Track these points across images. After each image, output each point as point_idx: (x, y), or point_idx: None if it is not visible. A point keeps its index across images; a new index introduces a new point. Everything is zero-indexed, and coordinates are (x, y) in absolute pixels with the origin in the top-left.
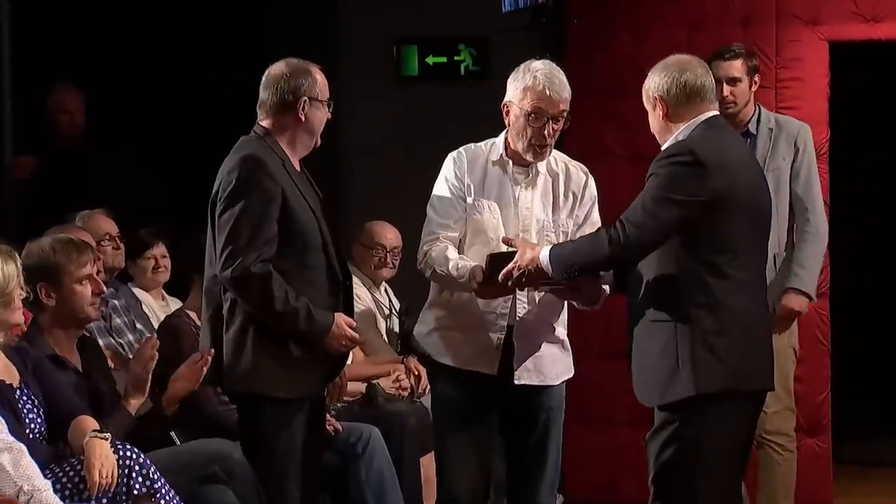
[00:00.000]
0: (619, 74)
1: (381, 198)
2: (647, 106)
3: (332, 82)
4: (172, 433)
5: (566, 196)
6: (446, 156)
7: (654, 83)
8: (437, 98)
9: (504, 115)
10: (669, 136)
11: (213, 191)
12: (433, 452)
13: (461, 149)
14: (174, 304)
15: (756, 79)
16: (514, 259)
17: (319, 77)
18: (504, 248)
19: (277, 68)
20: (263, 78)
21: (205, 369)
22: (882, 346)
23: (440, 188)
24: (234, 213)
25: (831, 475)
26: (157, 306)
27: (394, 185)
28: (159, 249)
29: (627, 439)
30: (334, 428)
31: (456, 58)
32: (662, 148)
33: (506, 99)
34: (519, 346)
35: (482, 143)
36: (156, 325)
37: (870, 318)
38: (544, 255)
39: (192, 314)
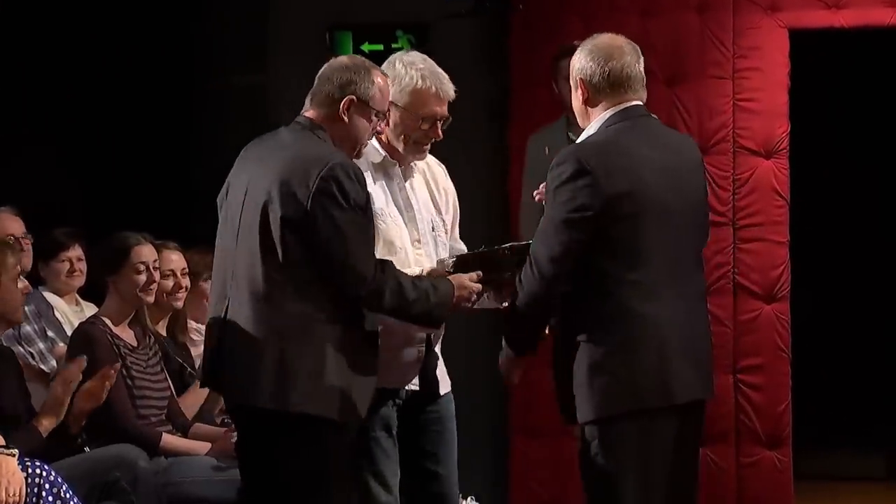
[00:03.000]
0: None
1: None
2: (571, 83)
3: (261, 72)
4: (87, 449)
5: (438, 192)
6: None
7: (579, 65)
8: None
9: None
10: (587, 121)
11: (287, 193)
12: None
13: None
14: (89, 309)
15: None
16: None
17: (380, 82)
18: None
19: (339, 60)
20: (325, 67)
21: (108, 383)
22: (845, 352)
23: None
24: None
25: (792, 490)
26: (71, 312)
27: None
28: (75, 252)
29: (574, 450)
30: None
31: (394, 45)
32: (577, 140)
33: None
34: (435, 356)
35: None
36: (69, 333)
37: (831, 321)
38: None
39: (108, 321)
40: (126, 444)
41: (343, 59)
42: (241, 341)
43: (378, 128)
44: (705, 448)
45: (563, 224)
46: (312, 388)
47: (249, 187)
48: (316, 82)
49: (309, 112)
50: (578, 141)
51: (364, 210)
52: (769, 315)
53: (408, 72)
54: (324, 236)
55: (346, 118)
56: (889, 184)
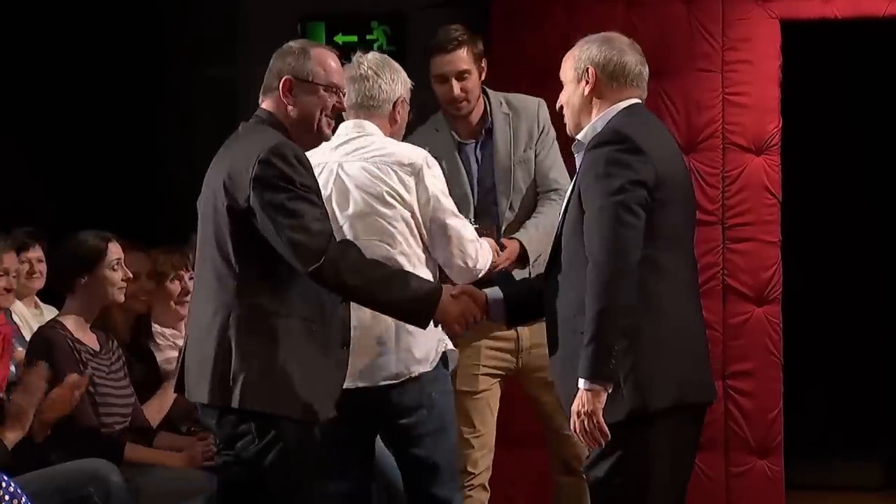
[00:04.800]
0: (549, 55)
1: None
2: (569, 75)
3: (231, 65)
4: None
5: None
6: None
7: (590, 53)
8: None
9: (397, 113)
10: (586, 117)
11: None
12: None
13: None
14: (49, 312)
15: (483, 64)
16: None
17: (318, 56)
18: None
19: (281, 48)
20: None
21: (77, 393)
22: (838, 356)
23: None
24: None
25: (784, 501)
26: (30, 315)
27: None
28: (36, 253)
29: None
30: None
31: (368, 37)
32: (579, 136)
33: (403, 96)
34: None
35: None
36: (28, 337)
37: (825, 325)
38: None
39: (69, 324)
40: (99, 459)
41: (284, 45)
42: (196, 339)
43: (337, 103)
44: None
45: (620, 207)
46: (261, 384)
47: (206, 186)
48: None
49: (263, 104)
50: (583, 136)
51: (308, 189)
52: (760, 318)
53: (395, 64)
54: (268, 219)
55: (288, 100)
56: (885, 181)
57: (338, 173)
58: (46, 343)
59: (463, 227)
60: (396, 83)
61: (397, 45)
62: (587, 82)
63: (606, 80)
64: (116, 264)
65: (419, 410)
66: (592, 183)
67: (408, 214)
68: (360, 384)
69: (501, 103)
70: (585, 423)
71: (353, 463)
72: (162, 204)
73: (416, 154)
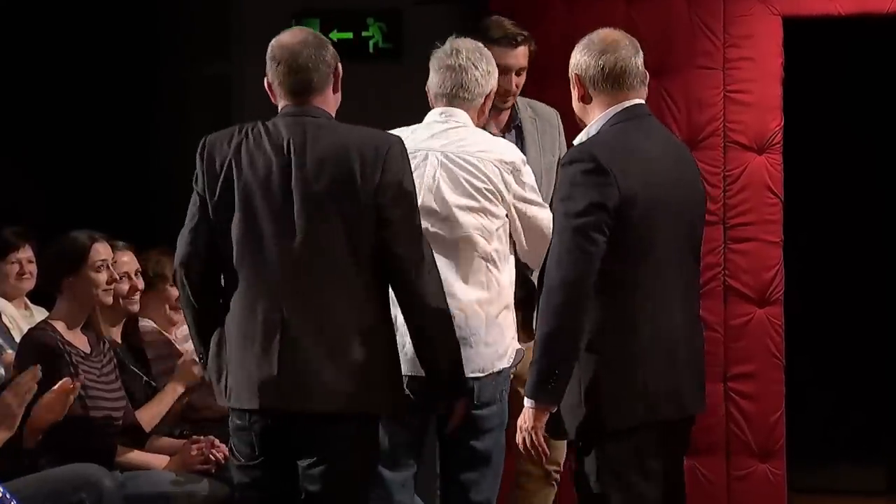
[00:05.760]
0: (549, 52)
1: None
2: (571, 81)
3: (224, 61)
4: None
5: None
6: None
7: (575, 59)
8: (342, 79)
9: (486, 106)
10: (587, 119)
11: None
12: None
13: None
14: (40, 314)
15: None
16: None
17: None
18: None
19: (309, 39)
20: (304, 51)
21: (72, 397)
22: (841, 358)
23: None
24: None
25: None
26: (20, 317)
27: None
28: (25, 253)
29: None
30: (224, 454)
31: (364, 34)
32: (574, 141)
33: (494, 89)
34: None
35: None
36: (17, 339)
37: (827, 326)
38: None
39: (59, 326)
40: (90, 464)
41: (307, 37)
42: (322, 344)
43: None
44: (695, 461)
45: (579, 232)
46: (390, 386)
47: (301, 176)
48: (294, 71)
49: (295, 101)
50: (578, 140)
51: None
52: (762, 319)
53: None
54: (399, 215)
55: (339, 89)
56: (889, 181)
57: (443, 162)
58: (36, 345)
59: (551, 221)
60: (490, 76)
61: (393, 41)
62: (577, 88)
63: (589, 86)
64: (101, 265)
65: (491, 405)
66: (557, 203)
67: (503, 212)
68: None
69: (526, 107)
70: (526, 439)
71: (412, 451)
72: (157, 203)
73: (514, 151)
